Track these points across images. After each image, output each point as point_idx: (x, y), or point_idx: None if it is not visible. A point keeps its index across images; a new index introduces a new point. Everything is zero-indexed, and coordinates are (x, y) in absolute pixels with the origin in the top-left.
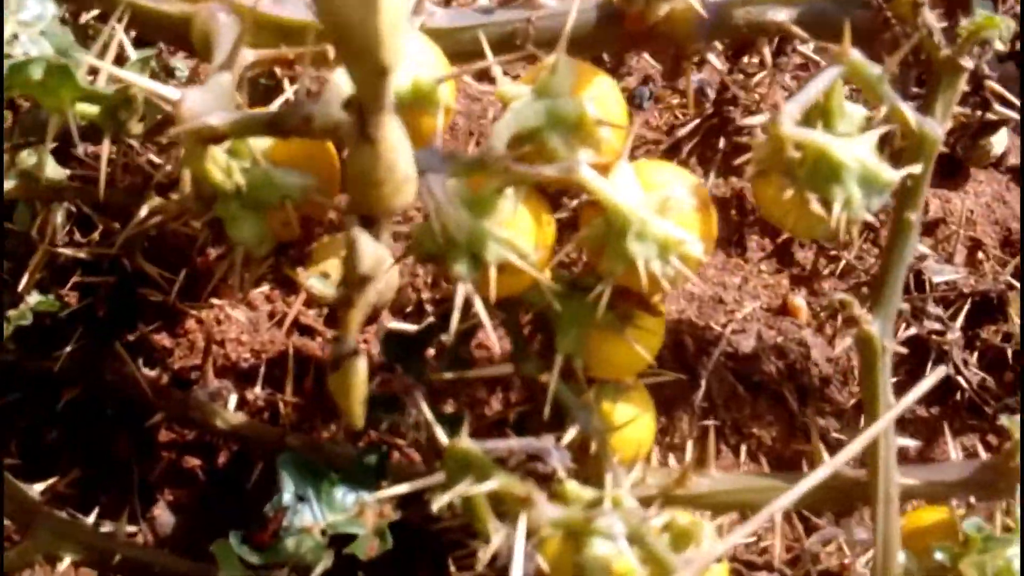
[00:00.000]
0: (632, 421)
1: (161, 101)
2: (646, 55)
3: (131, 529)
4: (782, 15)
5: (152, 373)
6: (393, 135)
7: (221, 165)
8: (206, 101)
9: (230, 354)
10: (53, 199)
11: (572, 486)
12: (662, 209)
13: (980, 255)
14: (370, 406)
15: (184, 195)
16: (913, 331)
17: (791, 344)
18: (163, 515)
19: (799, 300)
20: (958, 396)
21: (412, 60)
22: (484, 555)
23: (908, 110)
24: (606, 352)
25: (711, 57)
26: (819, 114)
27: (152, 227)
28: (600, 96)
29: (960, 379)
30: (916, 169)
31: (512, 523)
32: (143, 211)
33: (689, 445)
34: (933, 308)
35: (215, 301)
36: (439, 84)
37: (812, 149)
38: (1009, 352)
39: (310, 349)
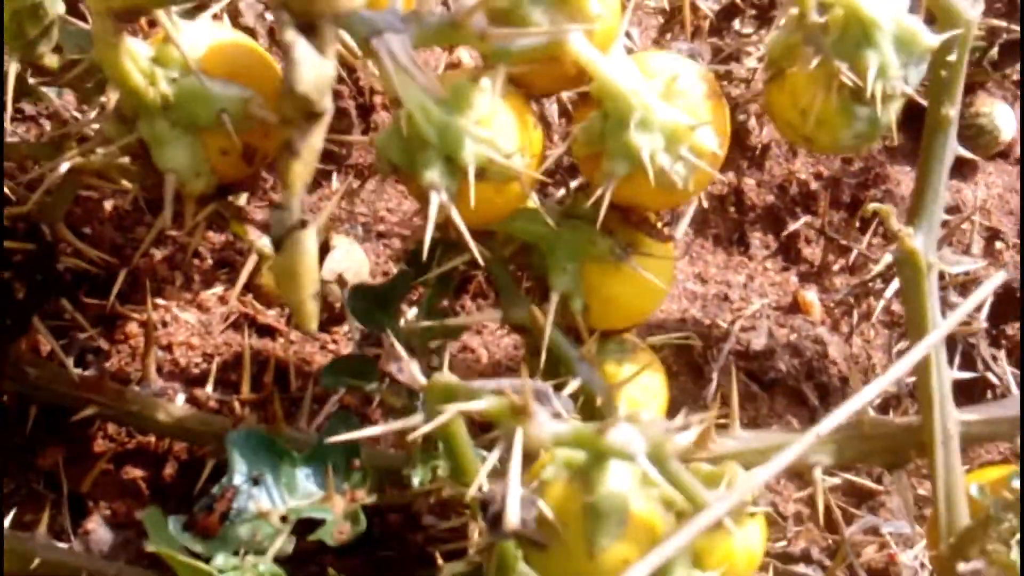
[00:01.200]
0: (640, 382)
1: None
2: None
3: (61, 546)
4: None
5: (86, 373)
6: None
7: (143, 68)
8: None
9: (178, 359)
10: None
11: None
12: (668, 94)
13: (999, 245)
14: (341, 372)
15: (104, 117)
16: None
17: (806, 342)
18: (99, 530)
19: (811, 296)
20: (989, 396)
21: None
22: (470, 492)
23: None
24: (609, 289)
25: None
26: None
27: (76, 189)
28: None
29: (991, 375)
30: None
31: (508, 442)
32: (62, 166)
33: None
34: (954, 298)
35: (160, 302)
36: None
37: (840, 5)
38: None
39: (271, 350)
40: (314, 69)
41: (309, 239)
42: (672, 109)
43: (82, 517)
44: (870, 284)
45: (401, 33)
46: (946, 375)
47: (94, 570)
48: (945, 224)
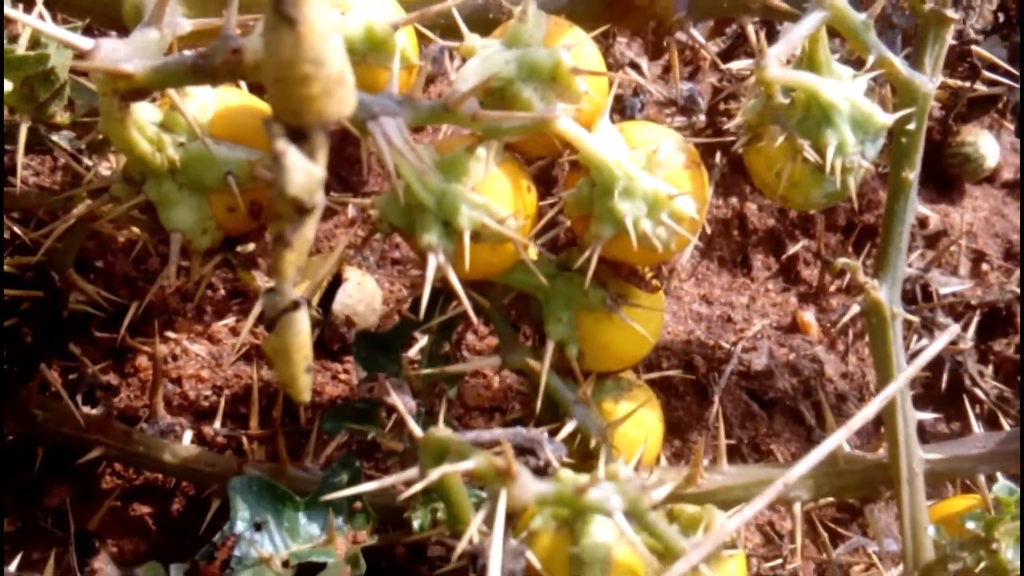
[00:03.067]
0: (636, 419)
1: (76, 50)
2: (632, 67)
3: None
4: None
5: (93, 412)
6: (318, 18)
7: (150, 137)
8: (123, 50)
9: (188, 392)
10: None
11: (567, 473)
12: (649, 165)
13: (984, 267)
14: (342, 417)
15: (112, 178)
16: (925, 342)
17: (804, 361)
18: (106, 568)
19: (808, 317)
20: (977, 410)
21: (364, 5)
22: (460, 546)
23: (897, 60)
24: (602, 337)
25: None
26: (807, 66)
27: (85, 236)
28: (576, 46)
29: (978, 391)
30: (911, 125)
31: (493, 504)
32: (75, 211)
33: (700, 448)
34: (943, 319)
35: (171, 335)
36: (395, 30)
37: (802, 90)
38: None
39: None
40: (304, 174)
41: (301, 320)
42: (653, 179)
43: (89, 555)
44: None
45: (397, 116)
46: (911, 416)
47: None
48: (933, 247)
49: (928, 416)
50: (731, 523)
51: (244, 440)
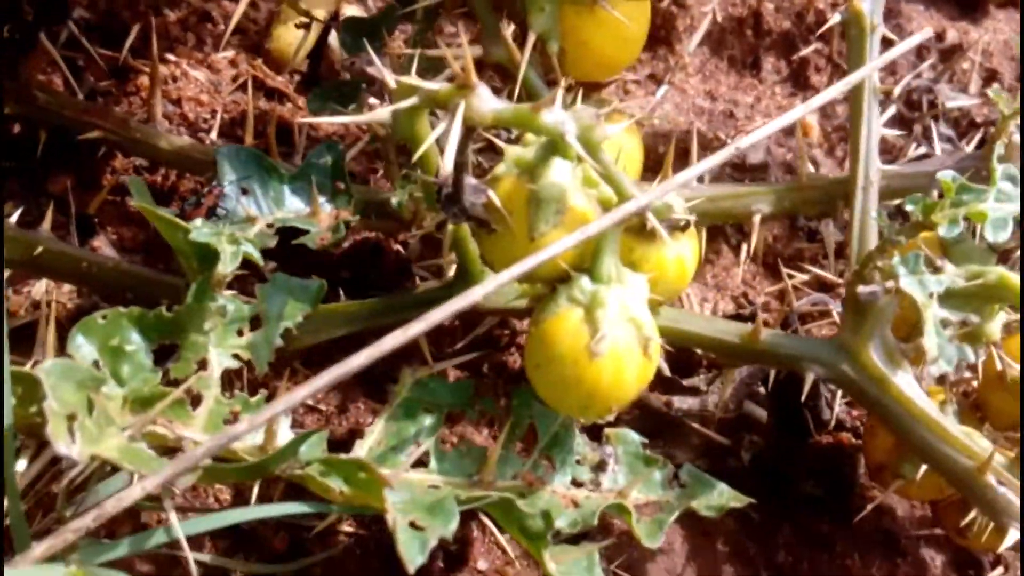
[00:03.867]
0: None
1: None
2: None
3: None
4: None
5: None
6: None
7: None
8: None
9: (187, 113)
10: None
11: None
12: None
13: (996, 86)
14: (327, 97)
15: None
16: (923, 151)
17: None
18: (105, 248)
19: (811, 119)
20: None
21: None
22: (404, 196)
23: None
24: (583, 33)
25: None
26: None
27: None
28: None
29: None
30: None
31: (452, 116)
32: None
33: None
34: (945, 129)
35: (172, 58)
36: None
37: None
38: None
39: (278, 112)
40: None
41: None
42: None
43: (89, 236)
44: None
45: None
46: (875, 129)
47: (92, 262)
48: (947, 60)
49: (892, 132)
50: (678, 177)
51: None
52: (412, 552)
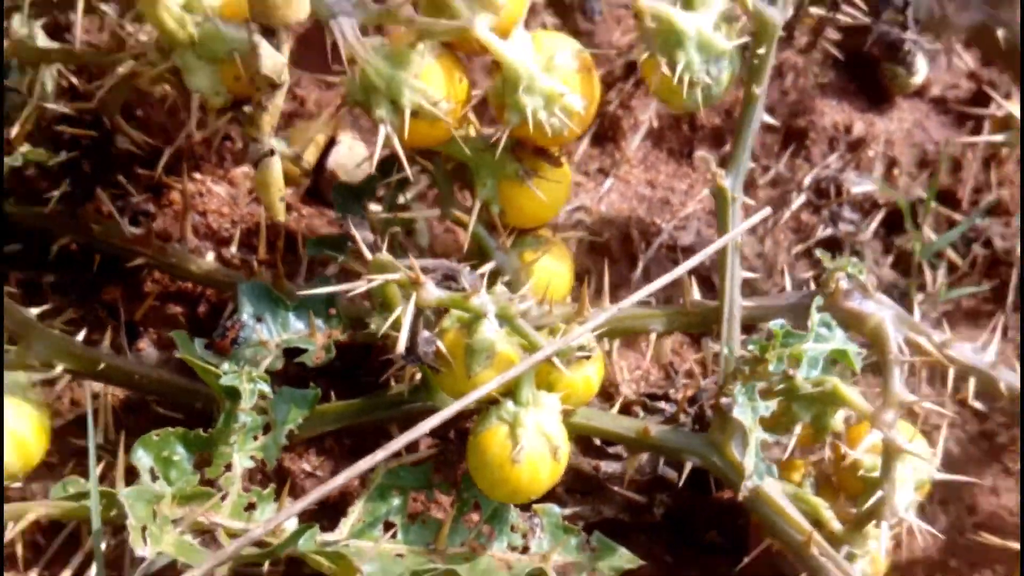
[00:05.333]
0: (547, 267)
1: None
2: None
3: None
4: None
5: (137, 231)
6: None
7: (175, 16)
8: None
9: (211, 224)
10: (41, 60)
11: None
12: (548, 68)
13: (895, 171)
14: (322, 244)
15: (148, 46)
16: (830, 232)
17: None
18: (148, 349)
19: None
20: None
21: None
22: (382, 325)
23: None
24: (517, 201)
25: None
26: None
27: (129, 90)
28: None
29: (874, 276)
30: (760, 49)
31: (407, 302)
32: (120, 69)
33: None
34: (849, 213)
35: (198, 176)
36: None
37: (662, 19)
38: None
39: (285, 222)
40: (272, 59)
41: (275, 162)
42: (550, 79)
43: (135, 339)
44: (786, 196)
45: (351, 16)
46: (738, 274)
47: (143, 373)
48: (854, 151)
49: (749, 275)
50: (578, 331)
51: (253, 262)
52: None
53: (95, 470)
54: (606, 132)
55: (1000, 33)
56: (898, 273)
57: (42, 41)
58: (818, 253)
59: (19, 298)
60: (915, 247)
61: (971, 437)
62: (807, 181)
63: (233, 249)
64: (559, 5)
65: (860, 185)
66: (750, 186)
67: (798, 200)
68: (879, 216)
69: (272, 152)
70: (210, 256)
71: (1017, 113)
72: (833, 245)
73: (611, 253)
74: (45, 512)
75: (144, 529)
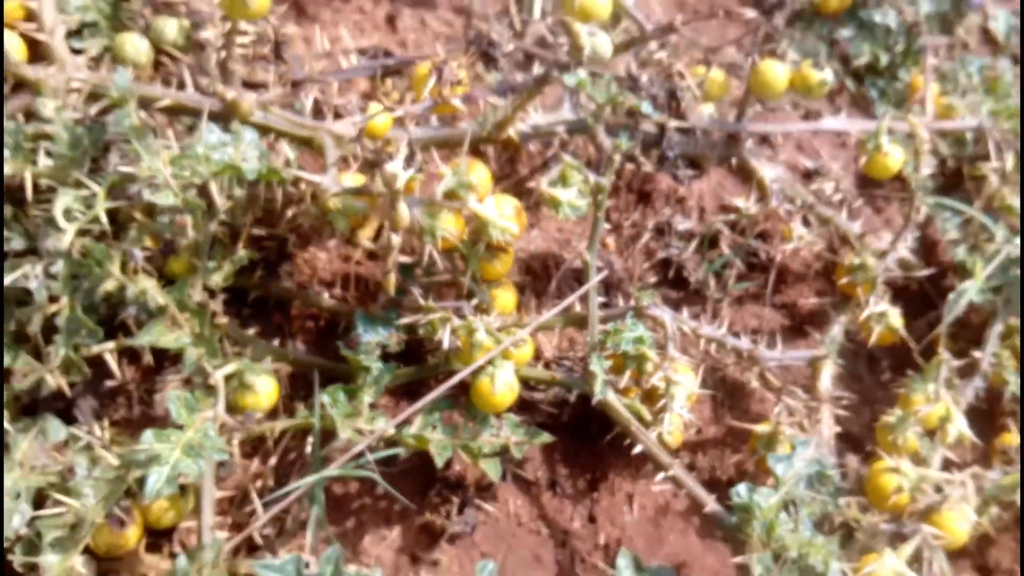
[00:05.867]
0: (503, 298)
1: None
2: None
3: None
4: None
5: (290, 285)
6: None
7: (336, 205)
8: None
9: (322, 276)
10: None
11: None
12: (500, 214)
13: (706, 214)
14: (369, 319)
15: (309, 210)
16: (663, 255)
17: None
18: (300, 345)
19: (610, 240)
20: (691, 287)
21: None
22: (431, 334)
23: (586, 172)
24: (486, 269)
25: None
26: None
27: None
28: (477, 175)
29: (691, 278)
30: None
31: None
32: (289, 213)
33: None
34: (676, 242)
35: (312, 248)
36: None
37: (550, 198)
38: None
39: (370, 270)
40: (405, 215)
41: (391, 274)
42: (502, 220)
43: (293, 341)
44: (640, 233)
45: (416, 206)
46: (595, 297)
47: (303, 359)
48: (681, 203)
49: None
50: (520, 332)
51: (349, 299)
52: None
53: (318, 401)
54: (535, 204)
55: (734, 160)
56: (704, 275)
57: (239, 193)
58: (634, 292)
59: (236, 324)
60: (713, 261)
61: (721, 376)
62: (650, 224)
63: (337, 290)
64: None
65: (683, 224)
66: (617, 228)
67: (646, 236)
68: (695, 242)
69: (395, 265)
70: (325, 295)
71: None
72: (667, 262)
73: (536, 273)
74: (286, 425)
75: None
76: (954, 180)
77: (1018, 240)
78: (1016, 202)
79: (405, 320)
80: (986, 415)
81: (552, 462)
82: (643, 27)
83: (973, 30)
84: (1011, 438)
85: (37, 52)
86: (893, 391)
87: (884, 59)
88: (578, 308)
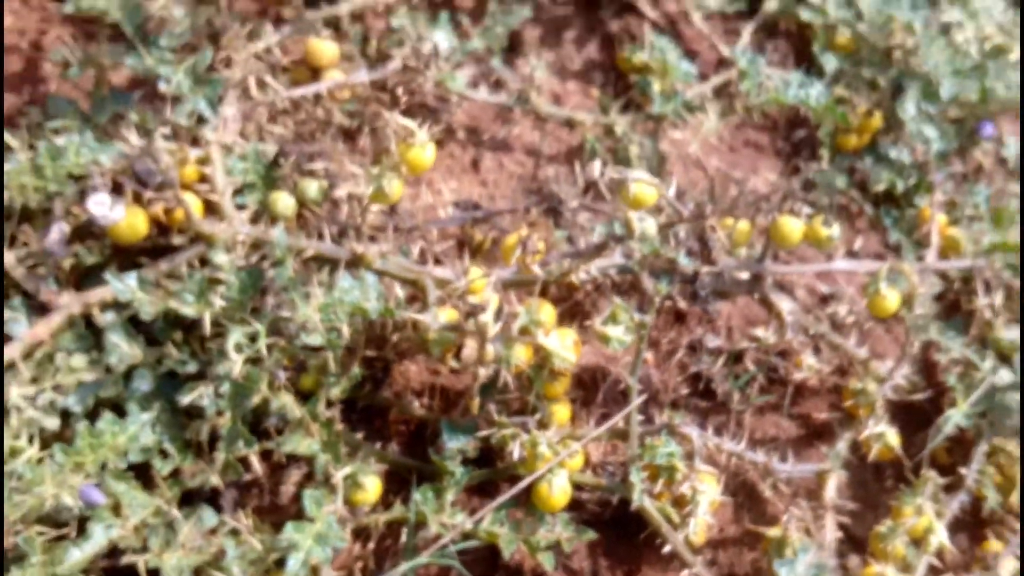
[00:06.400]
0: (560, 412)
1: None
2: None
3: None
4: None
5: (388, 395)
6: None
7: (436, 335)
8: None
9: (413, 385)
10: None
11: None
12: (563, 345)
13: (736, 334)
14: (454, 427)
15: (411, 336)
16: (695, 369)
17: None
18: (395, 448)
19: (648, 355)
20: (718, 399)
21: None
22: (509, 446)
23: (632, 311)
24: (548, 389)
25: None
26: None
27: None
28: (545, 313)
29: (718, 390)
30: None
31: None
32: (394, 338)
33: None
34: (706, 358)
35: (406, 363)
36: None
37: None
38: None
39: (451, 382)
40: (472, 349)
41: (476, 400)
42: (564, 352)
43: (389, 442)
44: (675, 350)
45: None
46: (635, 418)
47: (397, 460)
48: (710, 323)
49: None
50: (575, 446)
51: (433, 408)
52: None
53: (414, 498)
54: (582, 322)
55: (755, 295)
56: (729, 388)
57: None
58: (667, 412)
59: (347, 428)
60: (739, 376)
61: (741, 480)
62: (684, 341)
63: (425, 399)
64: None
65: (713, 342)
66: (655, 344)
67: (680, 352)
68: (723, 358)
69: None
70: (416, 403)
71: None
72: (698, 375)
73: (586, 385)
74: (388, 518)
75: None
76: (956, 303)
77: (1004, 371)
78: (1005, 335)
79: (483, 433)
80: (971, 526)
81: (595, 555)
82: (680, 212)
83: (990, 152)
84: (992, 545)
85: (209, 208)
86: (896, 497)
87: (900, 186)
88: (620, 421)
